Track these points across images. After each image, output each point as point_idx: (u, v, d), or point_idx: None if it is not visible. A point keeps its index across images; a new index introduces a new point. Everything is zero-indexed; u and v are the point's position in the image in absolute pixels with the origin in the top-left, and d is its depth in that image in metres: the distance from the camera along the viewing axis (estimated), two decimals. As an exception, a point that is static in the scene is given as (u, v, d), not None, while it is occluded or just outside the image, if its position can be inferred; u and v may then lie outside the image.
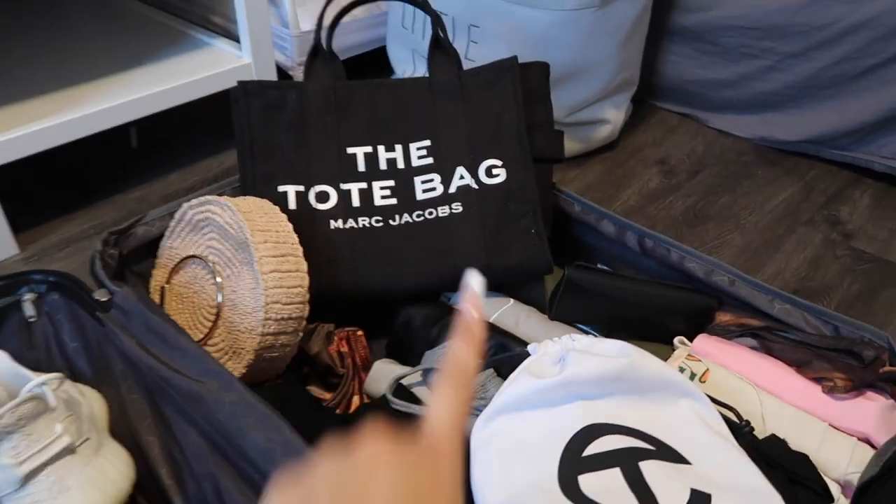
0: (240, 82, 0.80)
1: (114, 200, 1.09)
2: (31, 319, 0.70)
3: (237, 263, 0.71)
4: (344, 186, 0.80)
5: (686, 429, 0.52)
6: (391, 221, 0.80)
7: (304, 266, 0.71)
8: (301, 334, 0.71)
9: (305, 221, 0.79)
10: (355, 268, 0.78)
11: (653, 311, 0.76)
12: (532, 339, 0.71)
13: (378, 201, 0.80)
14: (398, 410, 0.66)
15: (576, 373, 0.53)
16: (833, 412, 0.62)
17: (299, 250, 0.71)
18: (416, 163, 0.82)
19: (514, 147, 0.81)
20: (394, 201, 0.80)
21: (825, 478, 0.58)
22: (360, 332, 0.79)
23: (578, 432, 0.51)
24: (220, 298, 0.72)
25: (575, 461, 0.49)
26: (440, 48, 0.84)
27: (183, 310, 0.76)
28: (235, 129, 0.81)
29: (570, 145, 1.21)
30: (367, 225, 0.80)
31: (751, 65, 1.24)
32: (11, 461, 0.50)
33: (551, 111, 0.85)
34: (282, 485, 0.27)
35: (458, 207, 0.80)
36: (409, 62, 1.26)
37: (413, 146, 0.82)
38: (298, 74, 1.24)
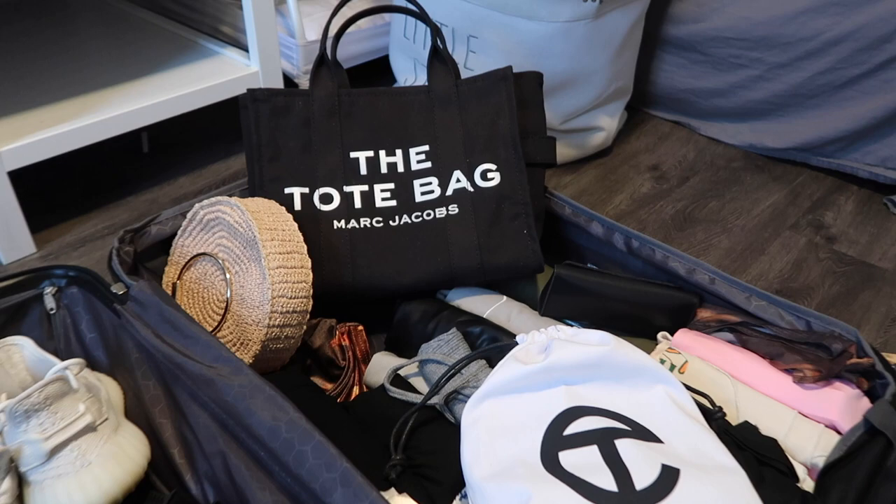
0: (249, 90, 0.85)
1: (126, 202, 1.13)
2: (52, 311, 0.74)
3: (245, 260, 0.76)
4: (347, 189, 0.85)
5: (660, 411, 0.56)
6: (391, 222, 0.84)
7: (309, 263, 0.75)
8: (305, 327, 0.76)
9: (310, 221, 0.83)
10: (356, 266, 0.83)
11: (638, 308, 0.80)
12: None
13: (379, 203, 0.85)
14: (395, 398, 0.70)
15: (559, 359, 0.57)
16: (802, 401, 0.66)
17: (304, 248, 0.75)
18: (415, 166, 0.86)
19: (507, 152, 0.85)
20: (394, 203, 0.85)
21: (793, 461, 0.62)
22: (360, 327, 0.83)
23: (560, 414, 0.55)
24: (228, 294, 0.77)
25: (556, 439, 0.53)
26: (439, 58, 0.89)
27: (193, 305, 0.81)
28: (244, 134, 0.86)
29: (566, 151, 1.26)
30: (369, 225, 0.84)
31: (740, 74, 1.28)
32: (39, 436, 0.54)
33: (544, 118, 0.90)
34: None
35: (454, 209, 0.84)
36: (410, 71, 1.31)
37: (412, 151, 0.87)
38: (304, 82, 1.29)
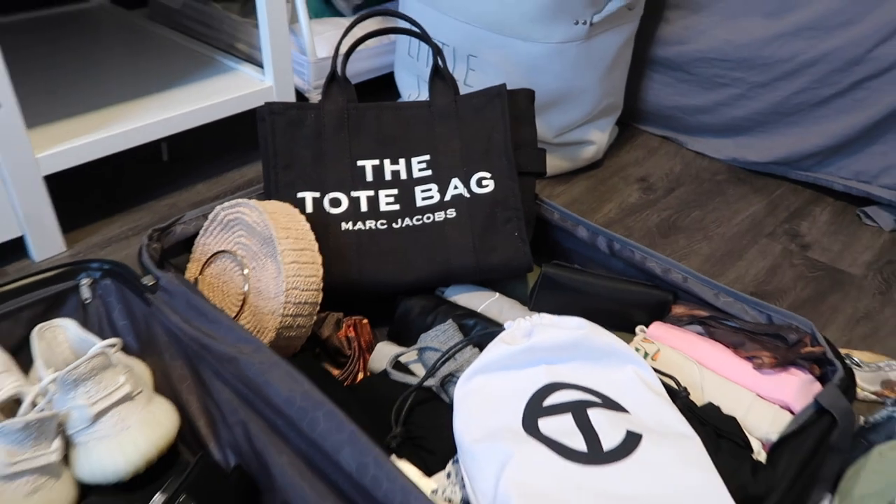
0: (266, 103, 0.93)
1: (147, 206, 1.22)
2: (87, 301, 0.82)
3: (262, 256, 0.84)
4: (354, 194, 0.93)
5: (628, 388, 0.64)
6: (394, 224, 0.92)
7: (319, 259, 0.83)
8: (315, 318, 0.83)
9: (320, 223, 0.91)
10: (362, 264, 0.90)
11: (618, 304, 0.87)
12: (512, 325, 0.83)
13: (383, 207, 0.93)
14: (396, 381, 0.78)
15: (540, 341, 0.65)
16: (761, 384, 0.73)
17: (315, 246, 0.83)
18: (416, 174, 0.94)
19: (501, 162, 0.93)
20: (397, 207, 0.93)
21: (750, 437, 0.70)
22: (364, 321, 0.91)
23: (540, 388, 0.63)
24: (246, 287, 0.85)
25: (536, 409, 0.61)
26: (439, 75, 0.97)
27: (213, 297, 0.89)
28: (261, 143, 0.94)
29: (558, 163, 1.34)
30: (374, 227, 0.92)
31: (723, 93, 1.37)
32: (86, 402, 0.62)
33: (535, 131, 0.98)
34: None
35: (452, 213, 0.92)
36: (414, 87, 1.40)
37: (414, 160, 0.95)
38: (314, 96, 1.38)
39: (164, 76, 1.29)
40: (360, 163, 0.94)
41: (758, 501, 0.61)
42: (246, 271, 0.85)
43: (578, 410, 0.60)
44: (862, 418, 0.75)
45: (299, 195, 0.92)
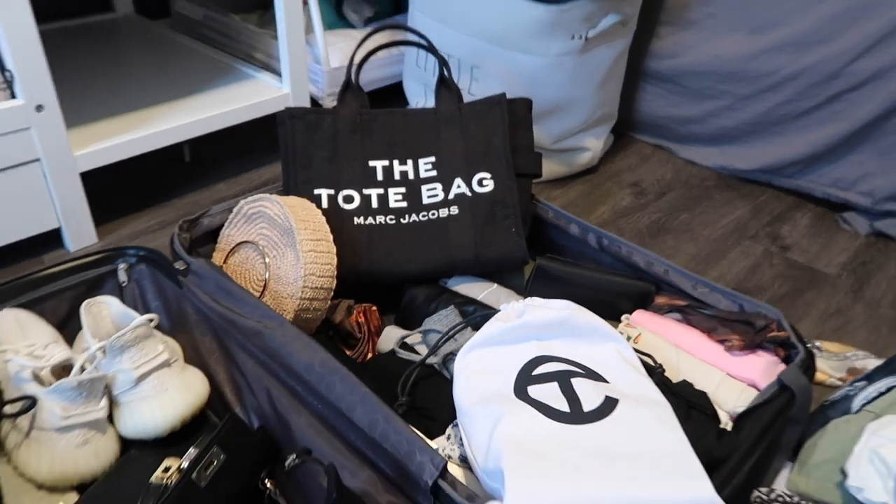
0: (287, 108, 1.02)
1: (171, 203, 1.31)
2: (123, 284, 0.91)
3: (282, 246, 0.93)
4: (366, 191, 1.01)
5: (609, 361, 0.72)
6: (402, 220, 1.01)
7: (334, 249, 0.91)
8: (329, 302, 0.92)
9: (334, 218, 1.00)
10: (372, 256, 0.99)
11: (606, 294, 0.96)
12: (508, 311, 0.91)
13: (392, 204, 1.01)
14: (402, 358, 0.86)
15: (532, 319, 0.73)
16: (730, 365, 0.81)
17: (330, 237, 0.92)
18: (423, 174, 1.03)
19: (500, 164, 1.02)
20: (404, 204, 1.02)
21: (719, 410, 0.78)
22: (374, 307, 0.99)
23: (531, 360, 0.71)
24: (267, 274, 0.93)
25: (526, 377, 0.69)
26: (445, 85, 1.06)
27: (236, 284, 0.97)
28: (281, 144, 1.03)
29: (555, 168, 1.43)
30: (383, 222, 1.00)
31: (712, 104, 1.45)
32: (130, 366, 0.70)
33: (532, 136, 1.07)
34: None
35: (455, 210, 1.01)
36: (421, 95, 1.49)
37: (421, 161, 1.04)
38: (327, 103, 1.46)
39: (187, 83, 1.38)
40: (371, 163, 1.03)
41: (721, 462, 0.69)
42: (267, 260, 0.93)
43: (563, 379, 0.68)
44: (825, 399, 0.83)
45: (316, 192, 1.01)
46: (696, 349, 0.84)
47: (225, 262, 0.99)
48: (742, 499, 0.72)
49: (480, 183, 1.02)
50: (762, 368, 0.81)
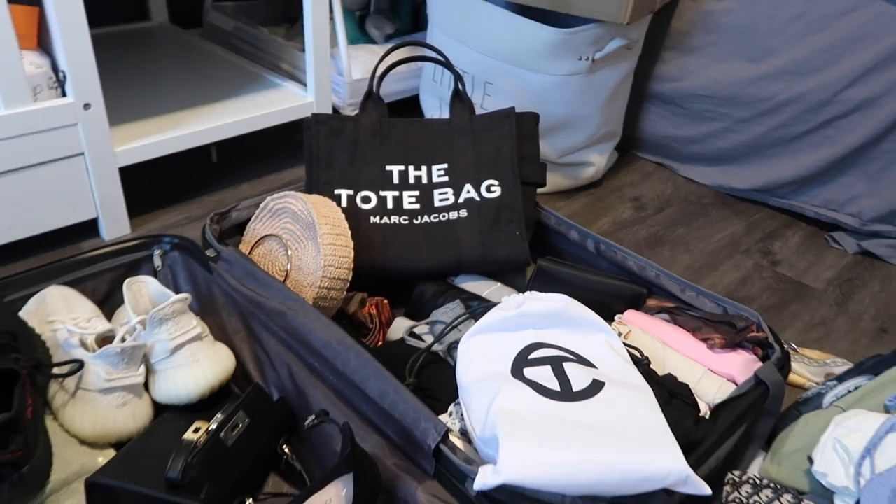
0: (313, 114, 1.11)
1: (199, 201, 1.39)
2: (158, 269, 0.99)
3: (304, 240, 1.01)
4: (382, 193, 1.10)
5: (598, 350, 0.79)
6: (415, 220, 1.09)
7: (351, 244, 0.99)
8: (345, 293, 1.00)
9: (352, 217, 1.08)
10: (386, 253, 1.07)
11: (601, 296, 1.03)
12: (510, 307, 0.98)
13: (406, 205, 1.10)
14: (410, 345, 0.94)
15: (529, 309, 0.81)
16: (712, 361, 0.89)
17: (348, 232, 1.00)
18: (435, 179, 1.11)
19: (507, 172, 1.10)
20: (417, 206, 1.10)
21: (700, 401, 0.85)
22: (385, 301, 1.07)
23: (527, 346, 0.78)
24: (289, 266, 1.01)
25: (522, 360, 0.76)
26: (459, 98, 1.14)
27: (259, 273, 1.05)
28: (305, 147, 1.11)
29: (561, 181, 1.51)
30: (397, 222, 1.08)
31: (711, 126, 1.53)
32: (167, 337, 0.78)
33: (538, 148, 1.15)
34: None
35: (464, 213, 1.09)
36: (436, 108, 1.57)
37: (434, 167, 1.12)
38: (348, 112, 1.55)
39: (217, 89, 1.47)
40: (388, 167, 1.11)
41: (697, 445, 0.76)
42: (290, 251, 1.02)
43: (556, 363, 0.76)
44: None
45: (336, 192, 1.09)
46: (681, 346, 0.91)
47: (250, 253, 1.07)
48: (717, 480, 0.79)
49: (488, 189, 1.10)
50: (741, 365, 0.88)
